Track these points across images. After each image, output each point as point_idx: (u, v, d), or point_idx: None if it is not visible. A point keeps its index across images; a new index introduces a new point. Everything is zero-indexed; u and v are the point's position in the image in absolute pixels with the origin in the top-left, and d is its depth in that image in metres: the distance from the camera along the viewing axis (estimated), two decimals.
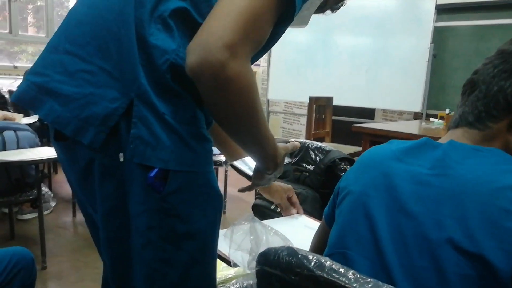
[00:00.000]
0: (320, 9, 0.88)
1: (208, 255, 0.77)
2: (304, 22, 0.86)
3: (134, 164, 0.67)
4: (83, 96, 0.67)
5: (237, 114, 0.65)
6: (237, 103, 0.63)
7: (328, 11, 0.92)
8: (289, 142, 1.01)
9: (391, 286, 0.51)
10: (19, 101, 0.73)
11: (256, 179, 0.95)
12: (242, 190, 1.06)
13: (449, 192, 0.61)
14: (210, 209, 0.74)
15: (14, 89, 3.58)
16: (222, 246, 0.99)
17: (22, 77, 3.75)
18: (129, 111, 0.66)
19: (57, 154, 0.83)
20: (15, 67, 4.50)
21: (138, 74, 0.66)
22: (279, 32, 0.74)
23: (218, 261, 1.16)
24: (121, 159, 0.67)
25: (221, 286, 1.16)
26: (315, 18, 0.92)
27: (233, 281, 1.18)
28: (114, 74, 0.67)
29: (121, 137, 0.67)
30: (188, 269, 0.73)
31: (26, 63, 4.75)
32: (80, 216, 2.96)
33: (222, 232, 0.82)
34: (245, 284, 1.17)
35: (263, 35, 0.65)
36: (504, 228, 0.55)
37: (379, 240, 0.64)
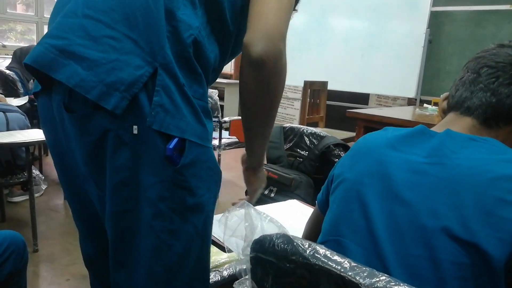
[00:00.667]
0: None
1: (207, 229, 0.81)
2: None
3: (152, 134, 0.68)
4: (108, 62, 0.67)
5: (274, 98, 0.78)
6: (280, 89, 0.77)
7: None
8: (283, 126, 1.05)
9: (386, 274, 0.51)
10: (36, 64, 0.71)
11: (250, 181, 1.04)
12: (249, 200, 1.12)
13: (444, 181, 0.61)
14: (213, 184, 0.78)
15: (3, 68, 3.51)
16: (216, 231, 0.99)
17: (11, 56, 3.68)
18: (150, 80, 0.68)
19: (56, 131, 0.79)
20: (4, 46, 4.40)
21: (164, 45, 0.68)
22: None
23: (212, 246, 1.16)
24: (135, 132, 0.69)
25: (214, 271, 1.16)
26: (310, 0, 0.92)
27: (226, 266, 1.19)
28: (140, 42, 0.68)
29: (139, 107, 0.68)
30: (191, 241, 0.76)
31: (15, 42, 4.65)
32: None
33: (216, 217, 0.82)
34: (238, 269, 1.18)
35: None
36: (498, 217, 0.56)
37: (373, 228, 0.64)
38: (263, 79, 0.74)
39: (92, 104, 0.68)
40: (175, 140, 0.69)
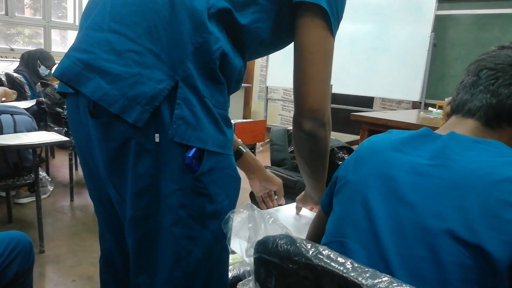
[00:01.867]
0: None
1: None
2: None
3: (173, 144, 0.70)
4: (131, 76, 0.69)
5: (325, 152, 0.91)
6: (327, 144, 0.89)
7: None
8: (288, 129, 1.11)
9: (388, 275, 0.51)
10: (63, 77, 0.74)
11: (304, 199, 1.17)
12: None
13: (449, 183, 0.61)
14: (232, 190, 0.80)
15: (11, 72, 3.55)
16: None
17: (19, 60, 3.72)
18: (171, 93, 0.70)
19: (84, 133, 0.81)
20: (12, 49, 4.45)
21: (185, 58, 0.70)
22: None
23: None
24: (157, 140, 0.71)
25: None
26: None
27: (230, 267, 1.20)
28: (161, 56, 0.70)
29: (160, 118, 0.70)
30: (210, 247, 0.78)
31: (23, 46, 4.70)
32: (77, 201, 2.97)
33: None
34: (241, 271, 1.18)
35: None
36: (503, 219, 0.56)
37: (376, 229, 0.64)
38: (314, 144, 0.86)
39: (115, 114, 0.70)
40: (194, 149, 0.71)
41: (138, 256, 0.80)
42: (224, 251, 0.82)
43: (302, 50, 0.79)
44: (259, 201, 1.27)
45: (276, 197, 1.28)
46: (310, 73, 0.79)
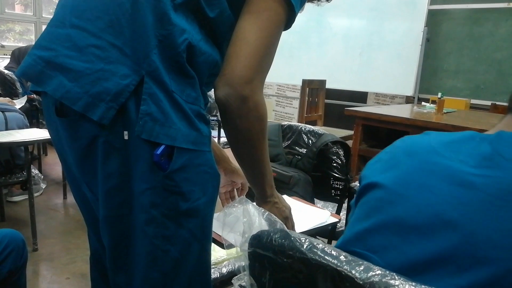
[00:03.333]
0: None
1: (206, 232, 0.79)
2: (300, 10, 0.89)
3: (141, 141, 0.67)
4: (93, 72, 0.67)
5: (250, 138, 0.77)
6: (252, 129, 0.76)
7: (323, 0, 0.96)
8: (282, 124, 1.02)
9: (382, 268, 0.51)
10: (25, 76, 0.72)
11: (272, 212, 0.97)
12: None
13: (497, 200, 0.50)
14: (210, 188, 0.76)
15: (1, 69, 3.51)
16: (215, 228, 0.99)
17: (10, 57, 3.68)
18: (138, 88, 0.67)
19: (56, 131, 0.80)
20: (2, 46, 4.39)
21: (149, 52, 0.67)
22: None
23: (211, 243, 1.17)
24: (126, 137, 0.68)
25: (213, 267, 1.17)
26: None
27: (225, 263, 1.20)
28: (125, 50, 0.67)
29: (128, 114, 0.68)
30: (188, 245, 0.75)
31: (14, 42, 4.65)
32: (71, 198, 2.95)
33: (215, 215, 0.82)
34: (237, 266, 1.19)
35: (272, 60, 0.75)
36: None
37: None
38: (229, 121, 0.75)
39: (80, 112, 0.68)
40: (163, 146, 0.68)
41: (114, 256, 0.78)
42: (204, 250, 0.80)
43: (246, 11, 0.73)
44: (221, 198, 1.13)
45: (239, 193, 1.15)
46: (247, 36, 0.71)
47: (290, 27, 0.78)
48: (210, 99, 0.82)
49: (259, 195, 0.92)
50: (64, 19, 0.72)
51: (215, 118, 3.09)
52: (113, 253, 0.78)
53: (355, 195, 0.68)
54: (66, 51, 0.69)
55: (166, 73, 0.68)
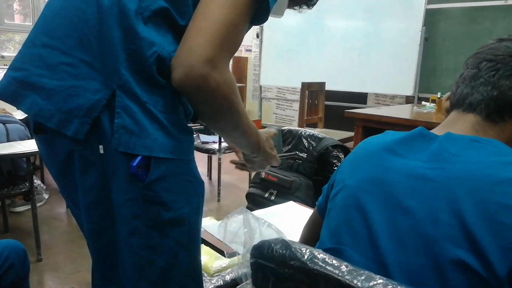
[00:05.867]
0: (294, 3, 0.92)
1: (194, 240, 0.80)
2: (279, 13, 0.88)
3: (117, 154, 0.68)
4: (65, 89, 0.68)
5: (221, 115, 0.73)
6: (220, 107, 0.70)
7: (304, 7, 0.95)
8: (282, 129, 1.03)
9: (384, 277, 0.52)
10: (1, 97, 0.73)
11: (248, 164, 1.03)
12: (234, 162, 1.10)
13: (445, 187, 0.59)
14: (193, 196, 0.76)
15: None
16: (218, 236, 1.00)
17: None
18: (111, 102, 0.68)
19: (38, 147, 0.83)
20: (3, 57, 4.41)
21: (119, 66, 0.67)
22: (249, 28, 0.76)
23: (213, 252, 1.17)
24: (101, 151, 0.69)
25: (216, 275, 1.17)
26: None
27: (228, 270, 1.20)
28: (95, 65, 0.68)
29: (102, 128, 0.68)
30: (175, 255, 0.75)
31: (14, 52, 4.66)
32: None
33: (217, 223, 0.83)
34: (240, 273, 1.19)
35: (239, 41, 0.70)
36: (501, 223, 0.54)
37: (375, 237, 0.63)
38: (193, 101, 0.71)
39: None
40: (139, 157, 0.68)
41: (102, 268, 0.79)
42: (192, 257, 0.80)
43: None
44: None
45: None
46: (208, 11, 0.66)
47: (263, 17, 0.73)
48: None
49: (245, 154, 0.97)
50: (35, 39, 0.73)
51: None
52: (101, 265, 0.79)
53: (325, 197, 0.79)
54: (37, 70, 0.70)
55: (137, 86, 0.68)
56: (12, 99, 0.72)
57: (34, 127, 0.77)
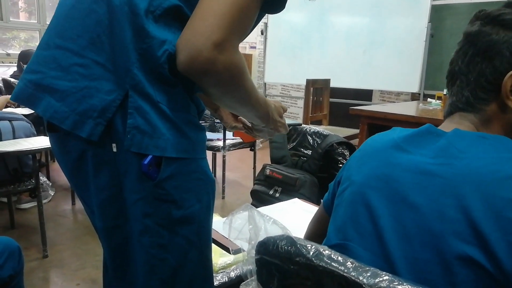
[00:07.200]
0: None
1: (204, 238, 0.79)
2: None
3: (129, 154, 0.68)
4: (78, 90, 0.68)
5: (228, 95, 0.72)
6: (229, 88, 0.70)
7: None
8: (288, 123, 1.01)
9: (389, 274, 0.51)
10: (18, 100, 0.74)
11: (256, 132, 1.02)
12: (240, 122, 1.04)
13: (452, 182, 0.59)
14: (204, 194, 0.76)
15: (7, 77, 3.55)
16: (223, 232, 1.00)
17: (15, 65, 3.72)
18: (124, 102, 0.67)
19: (51, 145, 0.83)
20: (8, 54, 4.44)
21: (131, 66, 0.67)
22: (260, 17, 0.75)
23: (218, 248, 1.17)
24: (114, 150, 0.69)
25: (221, 272, 1.18)
26: None
27: (233, 267, 1.20)
28: (108, 66, 0.68)
29: (115, 128, 0.68)
30: (185, 253, 0.76)
31: (19, 50, 4.69)
32: (79, 204, 2.97)
33: (222, 220, 0.83)
34: (245, 270, 1.19)
35: (248, 25, 0.68)
36: (508, 219, 0.54)
37: (381, 232, 0.62)
38: (201, 84, 0.68)
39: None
40: (150, 155, 0.68)
41: (115, 266, 0.79)
42: (203, 255, 0.80)
43: None
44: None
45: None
46: (208, 4, 0.63)
47: (280, 6, 0.72)
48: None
49: (254, 124, 0.96)
50: (49, 41, 0.73)
51: (218, 121, 3.10)
52: (113, 263, 0.80)
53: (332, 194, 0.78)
54: (52, 72, 0.70)
55: (150, 85, 0.68)
56: (29, 102, 0.73)
57: (47, 126, 0.77)
